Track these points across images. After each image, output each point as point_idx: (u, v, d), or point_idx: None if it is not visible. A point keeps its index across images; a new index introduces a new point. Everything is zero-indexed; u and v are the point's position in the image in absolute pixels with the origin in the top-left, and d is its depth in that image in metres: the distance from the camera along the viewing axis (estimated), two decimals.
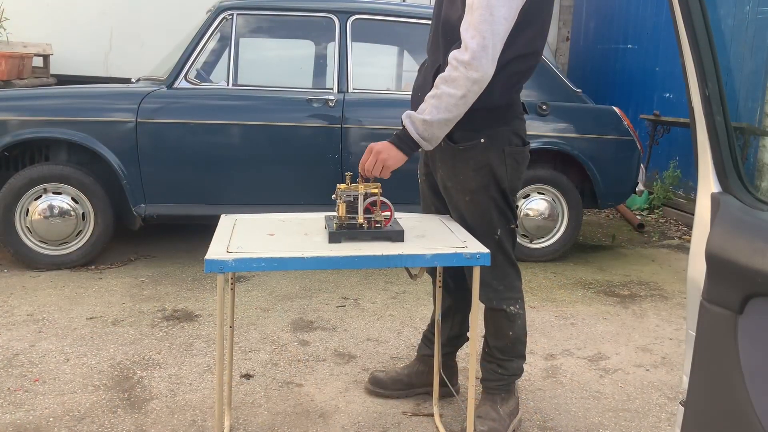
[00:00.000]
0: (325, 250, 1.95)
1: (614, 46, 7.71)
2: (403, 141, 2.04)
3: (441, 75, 1.99)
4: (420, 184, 2.48)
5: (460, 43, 1.97)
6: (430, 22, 4.40)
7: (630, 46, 7.39)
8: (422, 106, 2.02)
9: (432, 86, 2.07)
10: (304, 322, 3.35)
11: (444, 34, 2.11)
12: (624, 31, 7.51)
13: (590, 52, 8.36)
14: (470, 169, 2.17)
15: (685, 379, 1.26)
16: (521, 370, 2.40)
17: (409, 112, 2.05)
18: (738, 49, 5.45)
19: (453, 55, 1.96)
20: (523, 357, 2.38)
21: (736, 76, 5.16)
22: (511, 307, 2.29)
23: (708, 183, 1.18)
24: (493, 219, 2.21)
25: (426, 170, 2.40)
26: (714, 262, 1.14)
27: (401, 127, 2.06)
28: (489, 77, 1.95)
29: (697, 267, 1.21)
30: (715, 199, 1.17)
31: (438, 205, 2.39)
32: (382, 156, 2.05)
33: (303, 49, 4.79)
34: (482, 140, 2.14)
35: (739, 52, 5.44)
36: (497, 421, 2.31)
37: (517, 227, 2.32)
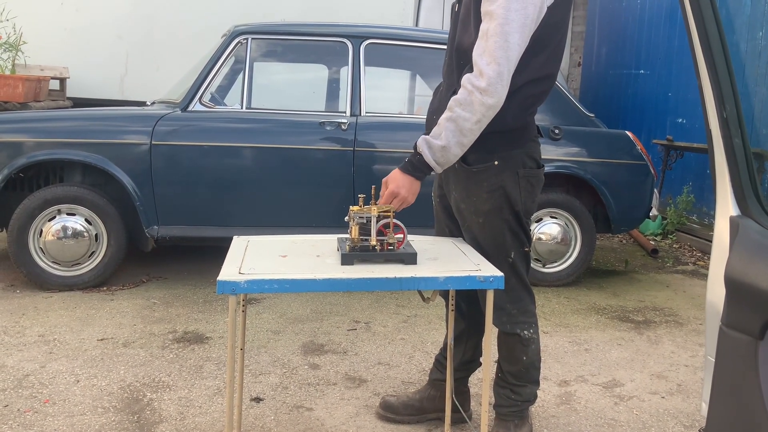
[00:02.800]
0: (338, 272, 1.94)
1: (626, 71, 7.72)
2: (418, 168, 2.05)
3: (455, 98, 1.99)
4: (434, 206, 2.47)
5: (473, 67, 1.98)
6: (442, 46, 4.44)
7: (642, 71, 7.40)
8: (436, 130, 2.02)
9: (443, 109, 2.08)
10: (314, 345, 3.33)
11: (458, 59, 2.13)
12: (636, 56, 7.53)
13: (602, 78, 8.38)
14: (484, 191, 2.16)
15: (705, 407, 1.24)
16: (535, 396, 2.37)
17: (424, 137, 2.05)
18: (751, 74, 5.44)
19: (468, 79, 1.96)
20: (536, 383, 2.35)
21: (750, 101, 5.14)
22: (525, 332, 2.27)
23: (726, 206, 1.16)
24: (507, 241, 2.20)
25: (440, 192, 2.39)
26: (733, 286, 1.12)
27: (414, 152, 2.06)
28: (502, 102, 1.96)
29: (716, 291, 1.19)
30: (733, 222, 1.15)
31: (452, 227, 2.38)
32: (403, 194, 2.07)
33: (316, 73, 4.82)
34: (496, 162, 2.14)
35: (753, 78, 5.43)
36: None
37: (530, 250, 2.30)
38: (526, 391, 2.32)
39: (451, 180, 2.26)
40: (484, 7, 1.96)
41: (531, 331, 2.28)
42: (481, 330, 2.42)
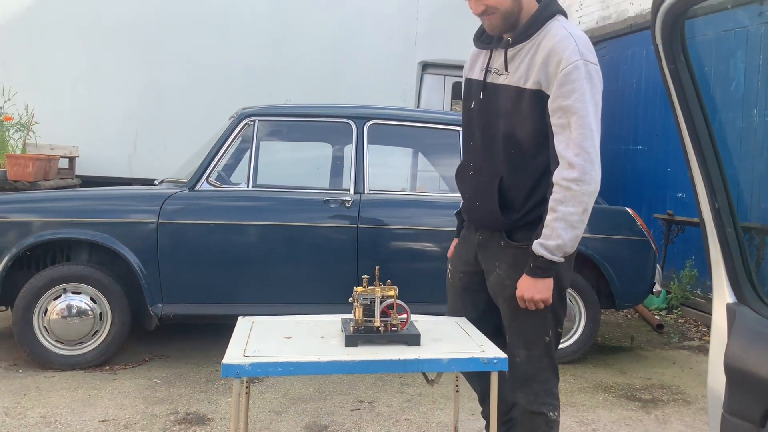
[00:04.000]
0: (342, 354, 1.96)
1: (624, 147, 7.85)
2: (545, 269, 2.09)
3: (554, 197, 2.06)
4: (452, 281, 2.46)
5: (555, 159, 2.07)
6: (443, 126, 4.55)
7: (640, 147, 7.52)
8: (546, 232, 2.08)
9: (489, 194, 2.20)
10: (318, 427, 3.28)
11: (507, 147, 2.18)
12: (634, 132, 7.67)
13: (601, 152, 8.46)
14: None
15: None
16: None
17: (538, 241, 2.09)
18: (748, 149, 5.54)
19: (560, 176, 2.05)
20: None
21: (748, 176, 5.22)
22: (551, 413, 2.23)
23: (723, 293, 1.19)
24: (548, 320, 2.20)
25: (467, 268, 2.39)
26: (733, 374, 1.13)
27: (534, 255, 2.10)
28: (599, 186, 2.07)
29: (716, 378, 1.20)
30: (730, 309, 1.17)
31: (466, 302, 2.40)
32: (542, 297, 2.11)
33: (320, 151, 4.93)
34: None
35: (749, 153, 5.53)
36: None
37: (562, 330, 2.29)
38: None
39: (492, 256, 2.27)
40: (557, 103, 2.06)
41: (556, 413, 2.25)
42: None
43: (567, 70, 2.03)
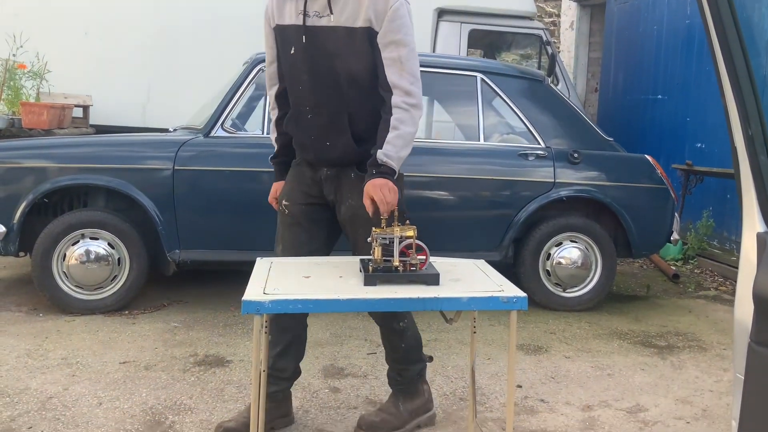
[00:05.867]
0: (361, 292, 1.96)
1: (644, 96, 7.73)
2: (389, 173, 2.30)
3: (396, 117, 2.30)
4: (290, 215, 2.58)
5: (386, 88, 2.31)
6: (460, 71, 4.50)
7: (660, 96, 7.40)
8: (388, 147, 2.30)
9: (340, 131, 2.40)
10: (335, 369, 3.32)
11: (348, 85, 2.36)
12: (653, 82, 7.54)
13: (619, 103, 8.38)
14: None
15: (734, 424, 1.23)
16: (420, 372, 2.71)
17: (383, 151, 2.29)
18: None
19: (401, 100, 2.30)
20: (420, 361, 2.70)
21: None
22: (400, 323, 2.57)
23: (753, 222, 1.17)
24: None
25: (310, 201, 2.54)
26: (762, 303, 1.12)
27: (377, 164, 2.29)
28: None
29: (744, 308, 1.18)
30: (761, 238, 1.15)
31: (312, 232, 2.55)
32: (390, 197, 2.24)
33: None
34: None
35: None
36: (394, 415, 2.62)
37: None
38: (408, 372, 2.66)
39: (341, 190, 2.47)
40: (389, 38, 2.29)
41: (405, 321, 2.59)
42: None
43: (395, 7, 2.28)
